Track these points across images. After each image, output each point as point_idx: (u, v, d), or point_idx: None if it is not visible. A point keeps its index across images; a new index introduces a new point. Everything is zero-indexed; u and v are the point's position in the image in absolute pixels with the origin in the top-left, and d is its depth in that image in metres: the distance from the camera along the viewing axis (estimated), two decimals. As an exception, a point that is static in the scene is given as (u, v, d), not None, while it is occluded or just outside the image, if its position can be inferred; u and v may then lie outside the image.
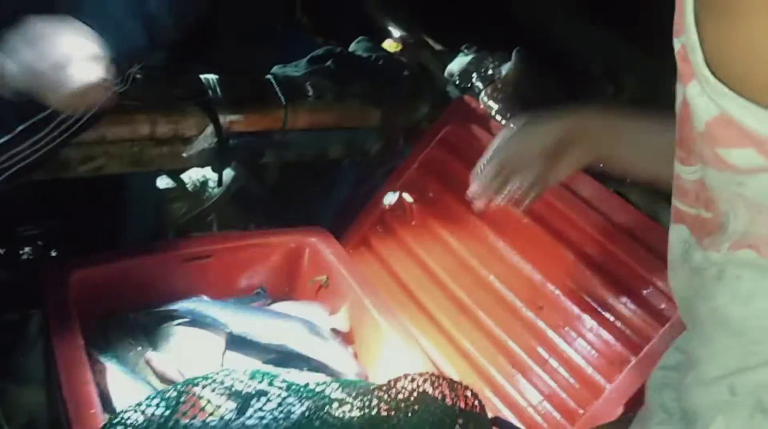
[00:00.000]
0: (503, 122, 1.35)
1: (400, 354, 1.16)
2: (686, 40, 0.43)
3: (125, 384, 1.07)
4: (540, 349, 1.17)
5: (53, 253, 1.55)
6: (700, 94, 0.43)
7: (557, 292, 1.18)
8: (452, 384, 0.86)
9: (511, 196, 0.87)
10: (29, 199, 1.39)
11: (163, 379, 1.11)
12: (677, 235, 0.55)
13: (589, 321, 1.13)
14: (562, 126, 0.84)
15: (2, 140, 0.87)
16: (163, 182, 1.51)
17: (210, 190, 1.52)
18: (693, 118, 0.46)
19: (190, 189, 1.51)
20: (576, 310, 1.15)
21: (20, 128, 0.89)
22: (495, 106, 1.37)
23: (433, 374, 0.88)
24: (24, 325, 1.48)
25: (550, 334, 1.16)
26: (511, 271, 1.25)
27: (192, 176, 1.54)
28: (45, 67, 0.85)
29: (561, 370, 1.15)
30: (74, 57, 0.86)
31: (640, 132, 0.81)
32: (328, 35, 1.86)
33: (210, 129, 1.29)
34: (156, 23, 0.97)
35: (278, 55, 1.67)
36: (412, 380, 0.87)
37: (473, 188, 0.89)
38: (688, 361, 0.57)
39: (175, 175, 1.52)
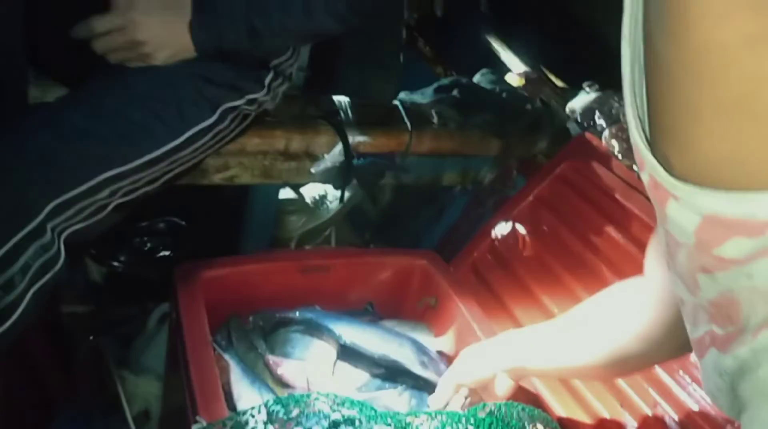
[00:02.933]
0: (625, 163, 1.35)
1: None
2: (651, 169, 0.46)
3: (244, 381, 1.13)
4: (650, 390, 1.16)
5: (169, 253, 1.64)
6: (679, 209, 0.45)
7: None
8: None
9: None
10: (159, 198, 1.48)
11: (279, 381, 1.16)
12: (710, 363, 0.54)
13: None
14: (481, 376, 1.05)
15: (170, 146, 0.94)
16: (284, 194, 1.58)
17: (328, 205, 1.57)
18: (682, 238, 0.46)
19: (309, 203, 1.57)
20: (692, 358, 1.13)
21: (188, 134, 0.95)
22: (618, 146, 1.36)
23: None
24: (143, 319, 1.57)
25: (662, 375, 1.15)
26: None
27: (311, 191, 1.60)
28: None
29: (669, 411, 1.13)
30: None
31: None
32: (448, 66, 1.91)
33: (339, 148, 1.34)
34: None
35: (400, 83, 1.72)
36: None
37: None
38: None
39: (296, 188, 1.59)
